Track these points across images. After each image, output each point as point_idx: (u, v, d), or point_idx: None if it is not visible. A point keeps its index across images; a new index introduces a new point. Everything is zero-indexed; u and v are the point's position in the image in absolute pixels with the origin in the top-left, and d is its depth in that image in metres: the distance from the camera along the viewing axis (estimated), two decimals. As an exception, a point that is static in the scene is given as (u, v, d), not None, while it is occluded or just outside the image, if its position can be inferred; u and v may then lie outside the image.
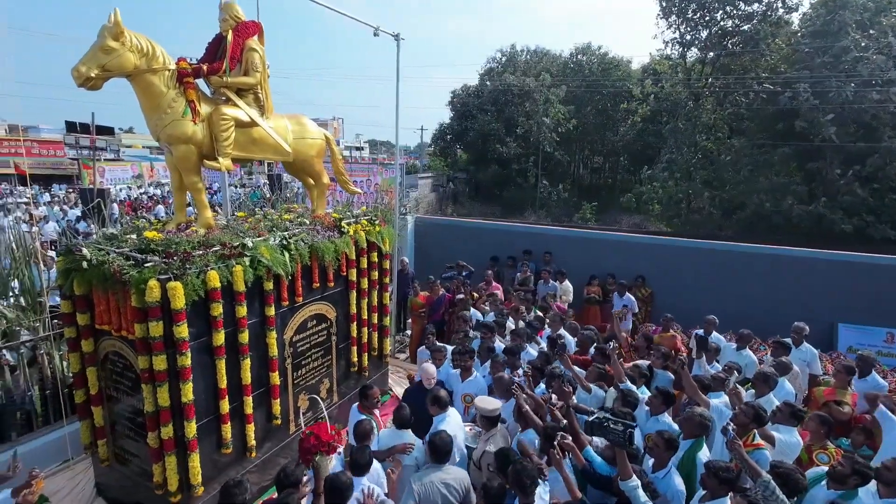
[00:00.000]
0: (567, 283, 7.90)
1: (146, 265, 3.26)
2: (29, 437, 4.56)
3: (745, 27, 21.25)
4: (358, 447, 3.23)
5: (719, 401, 3.90)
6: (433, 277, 7.82)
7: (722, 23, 21.71)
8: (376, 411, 4.12)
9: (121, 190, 25.48)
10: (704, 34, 21.63)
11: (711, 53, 21.61)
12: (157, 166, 37.74)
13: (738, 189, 19.56)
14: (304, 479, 2.89)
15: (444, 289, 7.31)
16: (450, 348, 5.00)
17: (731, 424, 3.13)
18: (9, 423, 4.42)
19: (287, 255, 4.16)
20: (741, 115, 19.99)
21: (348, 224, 5.10)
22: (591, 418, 3.01)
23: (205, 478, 3.62)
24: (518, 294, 7.02)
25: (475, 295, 7.25)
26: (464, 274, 8.31)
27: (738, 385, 4.12)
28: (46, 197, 24.47)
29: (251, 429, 4.01)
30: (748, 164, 18.96)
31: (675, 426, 3.60)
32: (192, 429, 3.47)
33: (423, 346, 5.55)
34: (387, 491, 3.14)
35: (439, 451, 3.05)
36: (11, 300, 4.58)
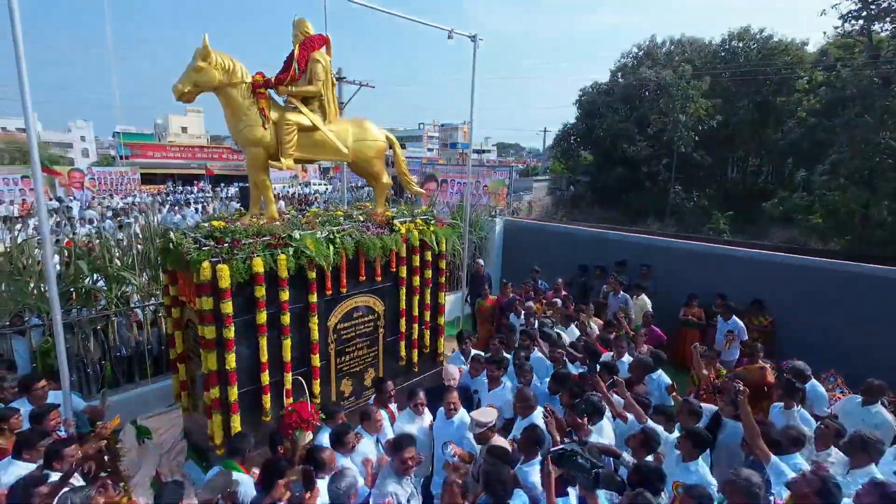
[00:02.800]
0: (644, 298, 7.03)
1: (203, 249, 3.85)
2: (152, 381, 5.72)
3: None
4: (341, 424, 3.41)
5: (788, 465, 3.07)
6: (506, 280, 7.64)
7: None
8: (392, 405, 4.22)
9: (275, 188, 30.48)
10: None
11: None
12: (308, 168, 44.09)
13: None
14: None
15: (513, 292, 7.08)
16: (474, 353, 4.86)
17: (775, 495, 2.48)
18: (137, 369, 5.60)
19: (332, 248, 4.50)
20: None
21: (402, 223, 5.29)
22: (558, 448, 2.67)
23: (245, 438, 4.12)
24: (587, 308, 6.45)
25: (542, 303, 6.88)
26: (538, 281, 7.95)
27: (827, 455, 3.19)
28: (226, 193, 30.41)
29: (290, 403, 4.44)
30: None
31: (710, 478, 2.98)
32: (233, 393, 4.00)
33: (458, 351, 5.49)
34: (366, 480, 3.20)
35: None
36: (146, 271, 5.83)
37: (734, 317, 6.43)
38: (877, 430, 4.09)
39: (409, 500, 2.98)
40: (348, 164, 5.39)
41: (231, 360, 3.94)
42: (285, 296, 4.22)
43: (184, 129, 51.29)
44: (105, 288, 5.24)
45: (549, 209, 27.51)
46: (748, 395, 3.58)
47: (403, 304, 5.42)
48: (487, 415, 3.45)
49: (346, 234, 4.70)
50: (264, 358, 4.18)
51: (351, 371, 5.07)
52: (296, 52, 4.61)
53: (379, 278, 5.09)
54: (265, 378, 4.22)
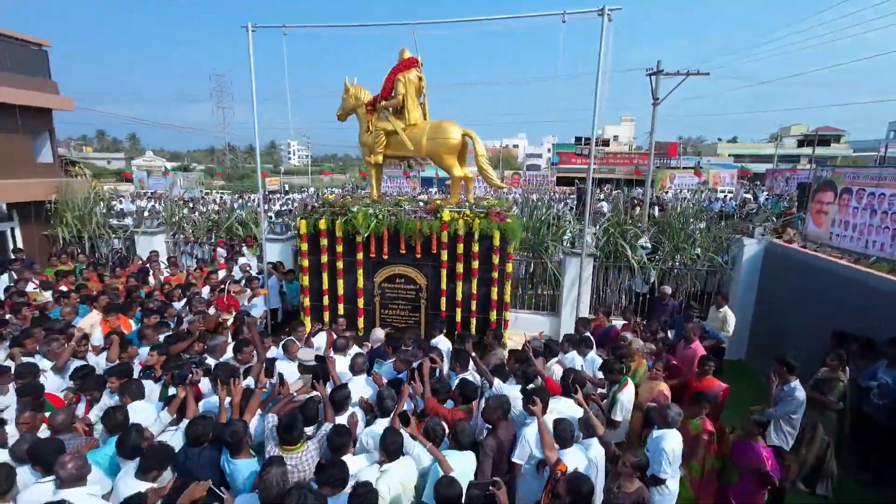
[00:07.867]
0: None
1: (304, 212, 6.35)
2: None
3: None
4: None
5: None
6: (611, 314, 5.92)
7: None
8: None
9: (666, 192, 29.31)
10: None
11: None
12: (723, 173, 39.16)
13: None
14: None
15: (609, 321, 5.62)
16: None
17: None
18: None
19: (374, 221, 5.93)
20: None
21: (449, 212, 5.85)
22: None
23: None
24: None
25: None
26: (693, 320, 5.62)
27: None
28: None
29: (342, 322, 6.30)
30: None
31: None
32: (306, 301, 6.37)
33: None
34: None
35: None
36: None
37: None
38: None
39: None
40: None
41: (305, 280, 6.31)
42: (339, 248, 6.11)
43: (615, 138, 56.76)
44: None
45: None
46: None
47: (444, 286, 5.99)
48: (306, 354, 4.15)
49: (389, 214, 5.96)
50: (325, 286, 6.28)
51: (392, 324, 6.29)
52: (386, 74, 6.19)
53: (419, 255, 5.97)
54: (325, 300, 6.32)
